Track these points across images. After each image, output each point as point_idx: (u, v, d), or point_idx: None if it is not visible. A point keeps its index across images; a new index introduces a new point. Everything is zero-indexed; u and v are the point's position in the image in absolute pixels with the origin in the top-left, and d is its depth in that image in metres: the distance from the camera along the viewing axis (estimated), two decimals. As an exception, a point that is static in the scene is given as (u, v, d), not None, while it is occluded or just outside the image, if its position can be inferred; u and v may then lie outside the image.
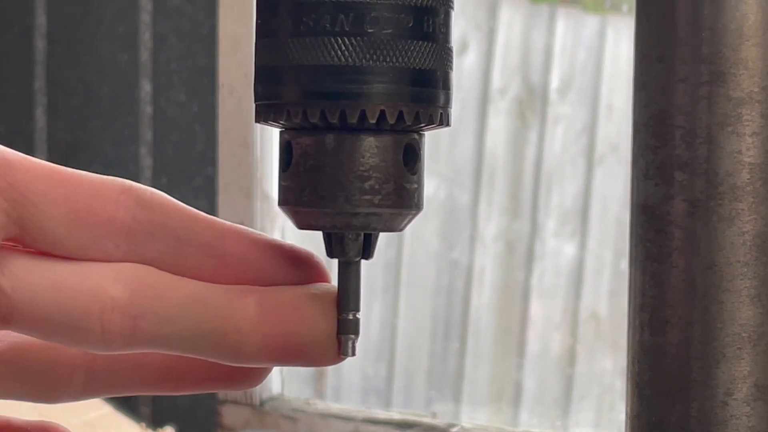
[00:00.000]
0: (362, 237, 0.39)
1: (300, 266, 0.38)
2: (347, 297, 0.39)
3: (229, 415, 1.93)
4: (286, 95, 0.38)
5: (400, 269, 2.18)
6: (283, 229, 1.91)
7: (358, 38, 0.37)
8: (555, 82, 2.14)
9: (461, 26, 2.10)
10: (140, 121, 2.02)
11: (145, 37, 2.00)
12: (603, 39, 2.16)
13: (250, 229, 0.38)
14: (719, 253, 0.39)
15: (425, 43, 0.37)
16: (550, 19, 2.17)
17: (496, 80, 2.14)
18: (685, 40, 0.39)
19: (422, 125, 0.38)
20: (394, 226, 0.39)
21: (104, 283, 0.35)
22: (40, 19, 2.09)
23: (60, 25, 2.08)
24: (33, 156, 0.36)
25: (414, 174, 0.38)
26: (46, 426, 0.41)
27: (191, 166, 1.97)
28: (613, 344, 2.09)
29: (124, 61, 2.02)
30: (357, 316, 0.39)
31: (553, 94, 2.15)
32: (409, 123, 0.37)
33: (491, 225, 2.16)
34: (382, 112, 0.37)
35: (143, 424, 1.65)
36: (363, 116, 0.37)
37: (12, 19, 2.12)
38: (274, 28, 0.38)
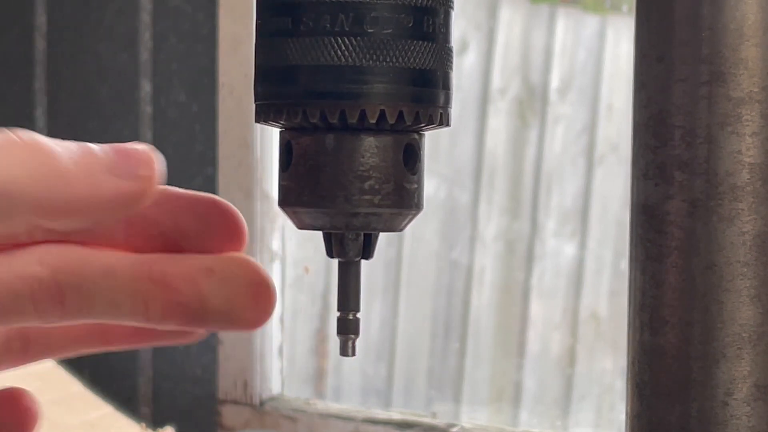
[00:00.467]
0: (362, 237, 0.39)
1: (210, 218, 0.41)
2: (347, 297, 0.39)
3: (229, 415, 1.93)
4: (286, 95, 0.37)
5: (400, 269, 2.18)
6: (283, 229, 1.91)
7: (358, 38, 0.37)
8: (555, 82, 2.14)
9: (461, 26, 2.09)
10: (140, 121, 2.02)
11: (145, 37, 2.00)
12: (603, 39, 2.15)
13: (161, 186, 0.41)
14: (719, 253, 0.39)
15: (425, 43, 0.37)
16: (550, 19, 2.16)
17: (496, 80, 2.14)
18: (684, 40, 0.39)
19: (422, 125, 0.38)
20: (394, 226, 0.38)
21: (29, 268, 0.38)
22: (40, 19, 2.09)
23: (60, 25, 2.08)
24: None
25: (414, 174, 0.38)
26: (13, 391, 0.42)
27: (191, 166, 1.97)
28: (613, 344, 2.08)
29: (124, 61, 2.02)
30: (357, 316, 0.39)
31: (553, 94, 2.14)
32: (409, 123, 0.37)
33: (491, 225, 2.16)
34: (382, 112, 0.37)
35: (143, 424, 1.64)
36: (363, 116, 0.37)
37: (12, 19, 2.12)
38: (274, 28, 0.38)
